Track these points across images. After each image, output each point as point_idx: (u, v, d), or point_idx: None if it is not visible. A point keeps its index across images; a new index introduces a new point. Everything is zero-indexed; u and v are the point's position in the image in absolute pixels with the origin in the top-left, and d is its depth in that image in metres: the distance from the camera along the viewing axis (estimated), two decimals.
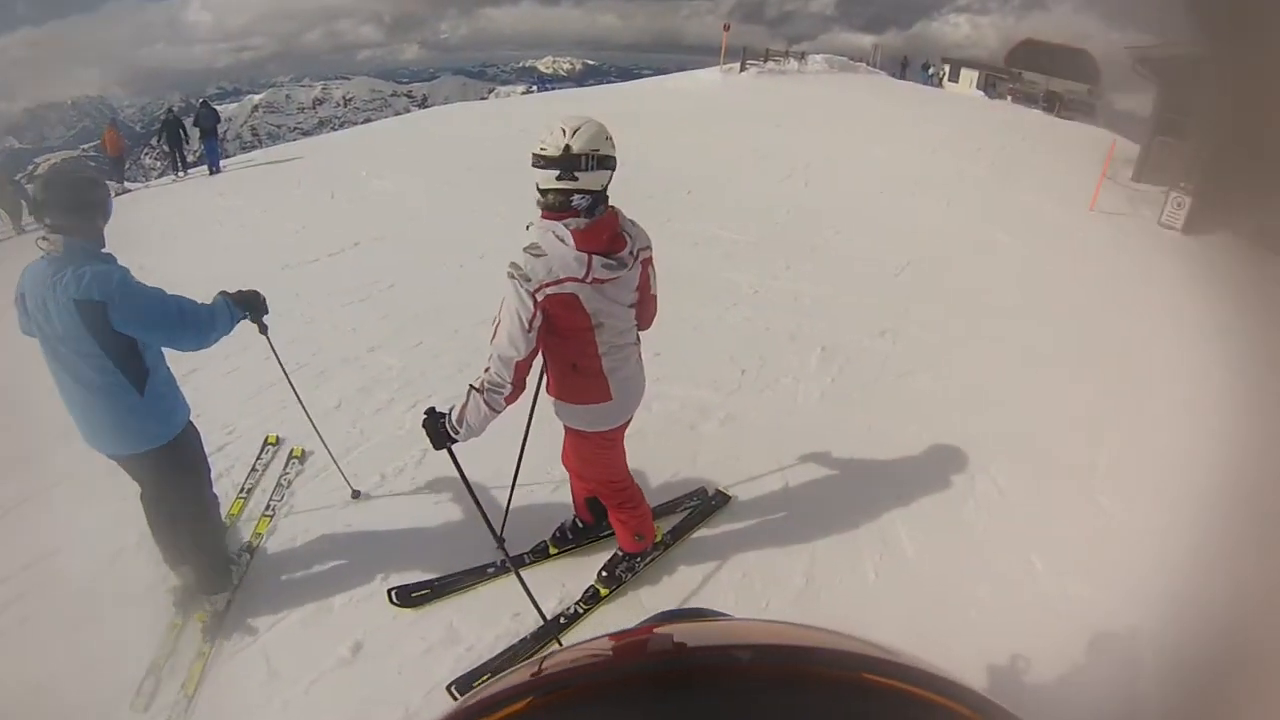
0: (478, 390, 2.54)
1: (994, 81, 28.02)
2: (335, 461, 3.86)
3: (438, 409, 2.69)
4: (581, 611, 3.27)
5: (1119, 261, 8.86)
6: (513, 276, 2.44)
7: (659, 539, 3.49)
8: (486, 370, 2.52)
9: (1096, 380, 5.60)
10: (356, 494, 3.86)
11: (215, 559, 3.25)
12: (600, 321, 2.62)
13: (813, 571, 3.53)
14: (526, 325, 2.46)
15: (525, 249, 2.47)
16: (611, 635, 0.56)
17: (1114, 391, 5.44)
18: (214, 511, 3.33)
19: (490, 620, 3.23)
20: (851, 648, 0.50)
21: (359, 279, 6.90)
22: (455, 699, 2.94)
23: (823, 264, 7.66)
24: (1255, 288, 8.45)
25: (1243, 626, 3.32)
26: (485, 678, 3.01)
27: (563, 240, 2.47)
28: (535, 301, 2.45)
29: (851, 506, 3.91)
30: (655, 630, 0.60)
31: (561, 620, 3.24)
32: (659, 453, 4.16)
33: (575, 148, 2.45)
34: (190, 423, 3.03)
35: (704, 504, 3.85)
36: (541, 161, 2.47)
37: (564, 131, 2.45)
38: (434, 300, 6.37)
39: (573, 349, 2.66)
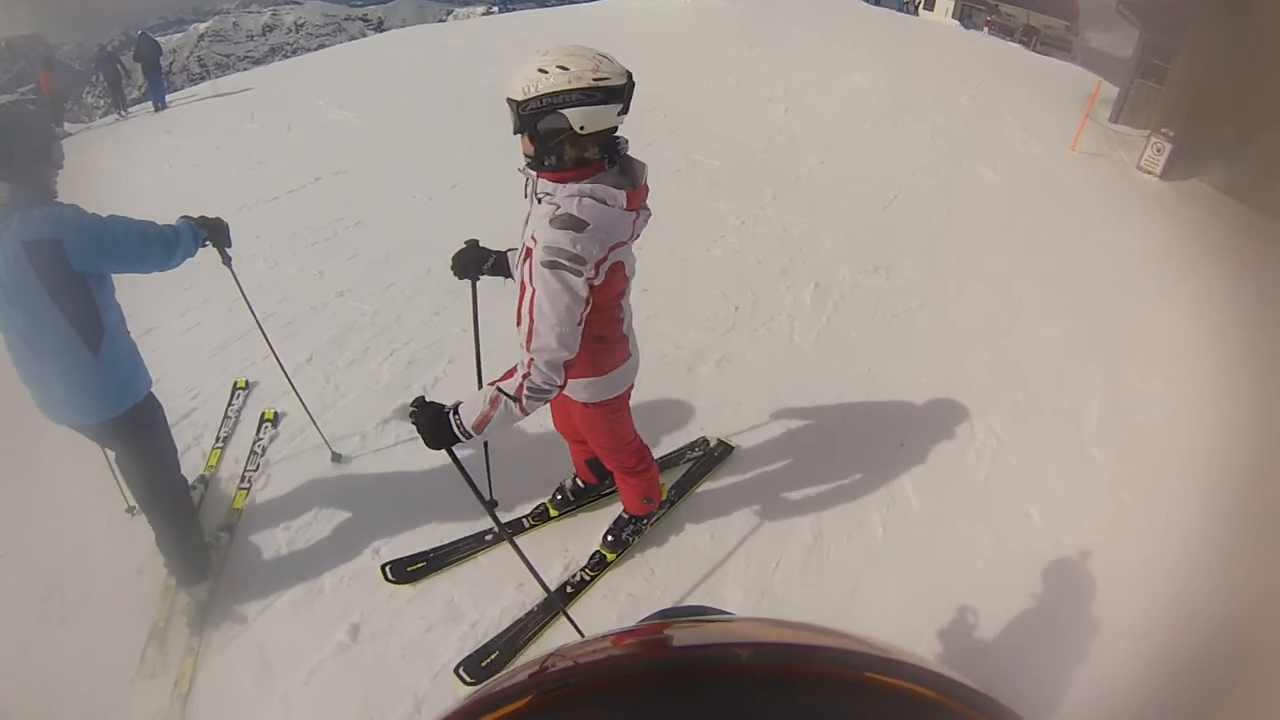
0: (513, 398, 2.06)
1: (970, 12, 27.29)
2: (314, 421, 3.56)
3: (427, 399, 2.16)
4: (589, 579, 3.09)
5: (1104, 205, 8.69)
6: (558, 266, 1.96)
7: (664, 497, 3.28)
8: (526, 376, 2.05)
9: (1085, 324, 5.48)
10: (337, 457, 3.58)
11: (189, 547, 2.98)
12: (629, 280, 2.31)
13: (820, 526, 3.38)
14: (580, 319, 2.04)
15: (557, 225, 1.97)
16: (611, 634, 0.54)
17: (1101, 336, 5.33)
18: (183, 494, 3.03)
19: (493, 593, 3.02)
20: (854, 647, 0.49)
21: (323, 217, 6.42)
22: (465, 681, 2.83)
23: (809, 194, 7.36)
24: (1232, 239, 8.43)
25: (1228, 573, 3.29)
26: (494, 656, 2.86)
27: (608, 202, 2.02)
28: (591, 288, 2.03)
29: (855, 455, 3.76)
30: (655, 629, 0.58)
31: (568, 589, 3.06)
32: (656, 398, 3.94)
33: (630, 75, 2.02)
34: (152, 394, 2.75)
35: (707, 456, 3.67)
36: (599, 95, 1.94)
37: (609, 58, 2.00)
38: (404, 237, 5.95)
39: (602, 320, 2.27)
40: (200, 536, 3.07)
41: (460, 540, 3.19)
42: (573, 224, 1.97)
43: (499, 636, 2.91)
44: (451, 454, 2.17)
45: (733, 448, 3.73)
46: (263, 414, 3.86)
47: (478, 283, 2.72)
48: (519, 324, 2.08)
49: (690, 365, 4.41)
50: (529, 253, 2.03)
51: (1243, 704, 2.78)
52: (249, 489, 3.50)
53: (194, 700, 2.76)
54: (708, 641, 0.52)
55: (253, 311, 3.31)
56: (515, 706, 0.42)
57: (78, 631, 2.92)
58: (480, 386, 2.86)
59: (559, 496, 3.29)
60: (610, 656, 0.49)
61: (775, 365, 4.50)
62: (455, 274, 2.69)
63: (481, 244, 2.69)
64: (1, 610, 3.04)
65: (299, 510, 3.37)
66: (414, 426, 2.12)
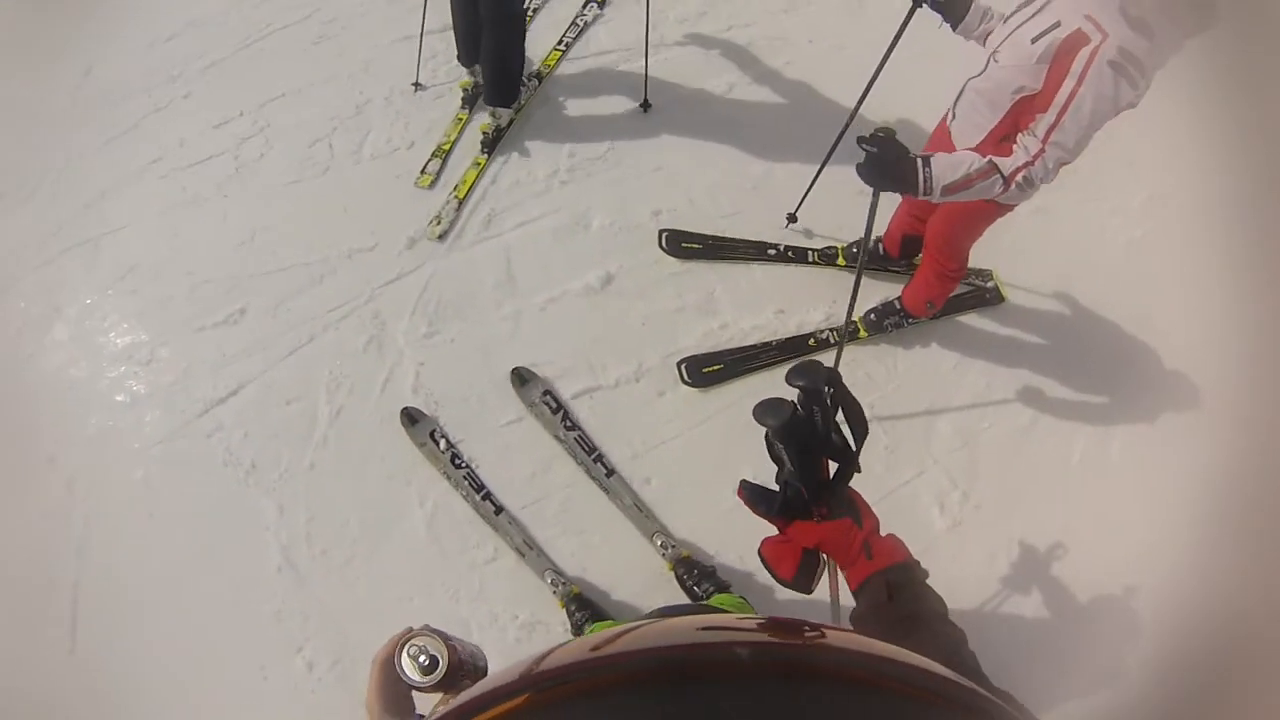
0: (1004, 178, 1.96)
1: None
2: (646, 61, 3.26)
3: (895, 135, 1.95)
4: (833, 341, 2.93)
5: None
6: (1123, 71, 1.81)
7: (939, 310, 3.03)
8: (1029, 165, 1.94)
9: None
10: (646, 106, 3.32)
11: (513, 69, 3.15)
12: None
13: (1037, 421, 3.04)
14: (1097, 130, 1.92)
15: (1133, 26, 1.79)
16: (610, 631, 0.49)
17: None
18: (524, 20, 3.17)
19: (752, 305, 2.89)
20: (856, 646, 0.47)
21: None
22: (682, 379, 2.77)
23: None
24: None
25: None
26: (717, 368, 2.80)
27: (1181, 22, 1.82)
28: (1127, 107, 1.89)
29: (1101, 379, 3.23)
30: (655, 626, 0.53)
31: (811, 342, 2.93)
32: None
33: None
34: None
35: (979, 292, 3.32)
36: None
37: None
38: None
39: None
40: (523, 64, 3.19)
41: (744, 241, 3.03)
42: (1145, 31, 1.80)
43: (731, 352, 2.82)
44: (876, 198, 2.05)
45: (1004, 300, 3.34)
46: None
47: (919, 9, 2.31)
48: (1044, 108, 1.91)
49: None
50: (1080, 38, 1.84)
51: (1238, 706, 2.59)
52: (563, 52, 3.48)
53: (468, 205, 3.08)
54: (707, 640, 0.50)
55: None
56: (510, 706, 0.41)
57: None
58: (862, 99, 2.57)
59: (854, 250, 3.04)
60: (607, 655, 0.46)
61: (1079, 249, 3.79)
62: None
63: None
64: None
65: (587, 128, 3.27)
66: (869, 156, 1.91)
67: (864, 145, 1.90)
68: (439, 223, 3.03)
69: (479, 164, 3.17)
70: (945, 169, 1.95)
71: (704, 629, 0.52)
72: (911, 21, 2.31)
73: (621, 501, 2.59)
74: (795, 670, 0.43)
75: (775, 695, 0.40)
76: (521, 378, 2.74)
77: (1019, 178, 1.95)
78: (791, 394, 0.85)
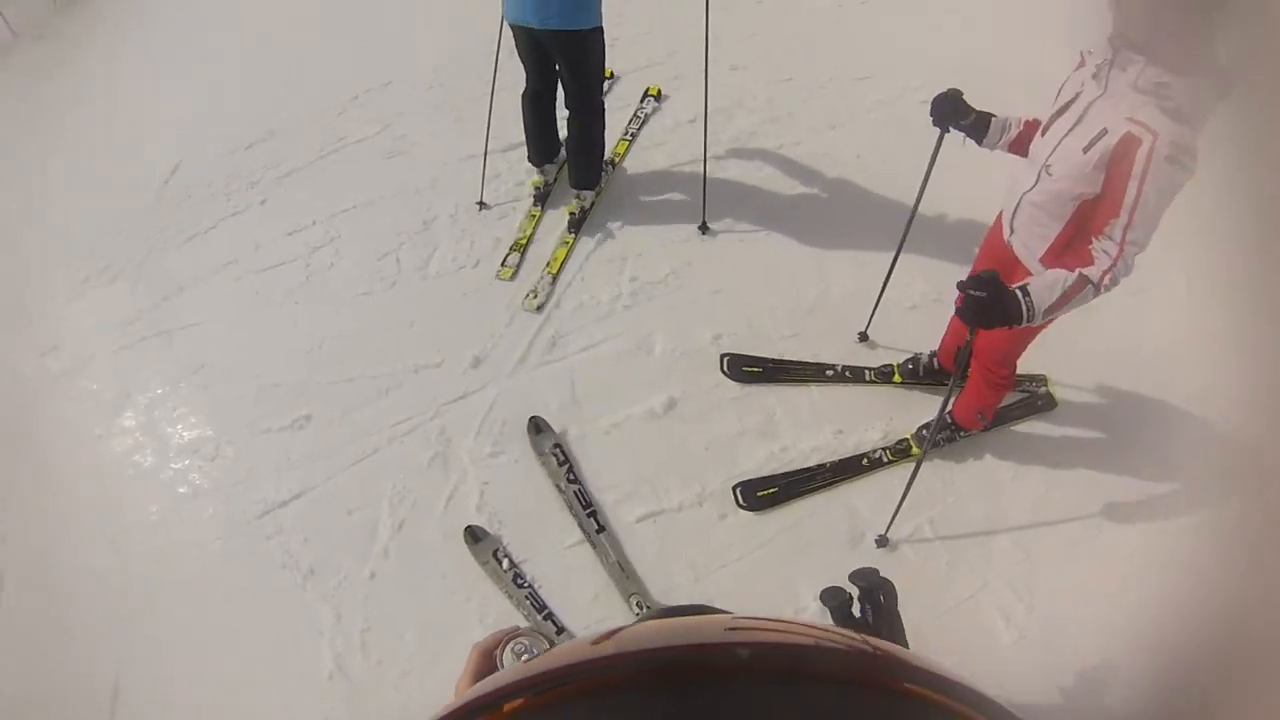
0: (1095, 285, 2.01)
1: None
2: (705, 186, 3.40)
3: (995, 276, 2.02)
4: (887, 461, 2.95)
5: None
6: (1178, 163, 1.89)
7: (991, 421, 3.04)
8: (1113, 266, 2.00)
9: None
10: (705, 229, 3.46)
11: (597, 156, 3.44)
12: None
13: (1099, 530, 2.95)
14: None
15: (1177, 119, 1.88)
16: (609, 631, 0.48)
17: None
18: (604, 117, 3.40)
19: (811, 427, 2.91)
20: (856, 647, 0.47)
21: None
22: (738, 503, 2.79)
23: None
24: None
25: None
26: (772, 491, 2.83)
27: (1205, 100, 1.91)
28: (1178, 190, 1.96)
29: (1163, 475, 3.12)
30: (654, 625, 0.51)
31: (865, 462, 2.93)
32: None
33: None
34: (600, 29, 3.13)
35: (1032, 399, 3.31)
36: None
37: None
38: None
39: None
40: (604, 150, 3.48)
41: (801, 362, 3.08)
42: (1184, 118, 1.89)
43: (786, 475, 2.83)
44: (974, 335, 2.15)
45: (1056, 405, 3.33)
46: (647, 89, 3.89)
47: (946, 135, 2.49)
48: (1109, 209, 1.99)
49: None
50: (1132, 140, 1.91)
51: (1238, 706, 2.48)
52: (630, 141, 3.79)
53: (561, 281, 3.29)
54: (706, 640, 0.48)
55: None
56: (510, 707, 0.42)
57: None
58: (905, 235, 2.72)
59: (910, 366, 3.10)
60: (607, 655, 0.45)
61: (1128, 344, 3.77)
62: (932, 120, 2.47)
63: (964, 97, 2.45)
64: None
65: (648, 251, 3.39)
66: (973, 299, 1.97)
67: (969, 290, 1.96)
68: (535, 296, 3.23)
69: (567, 242, 3.41)
70: (1042, 293, 2.00)
71: (732, 628, 0.50)
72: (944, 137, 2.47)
73: (606, 559, 2.64)
74: (797, 670, 0.42)
75: (776, 695, 0.40)
76: (537, 427, 2.88)
77: (1106, 281, 2.00)
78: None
